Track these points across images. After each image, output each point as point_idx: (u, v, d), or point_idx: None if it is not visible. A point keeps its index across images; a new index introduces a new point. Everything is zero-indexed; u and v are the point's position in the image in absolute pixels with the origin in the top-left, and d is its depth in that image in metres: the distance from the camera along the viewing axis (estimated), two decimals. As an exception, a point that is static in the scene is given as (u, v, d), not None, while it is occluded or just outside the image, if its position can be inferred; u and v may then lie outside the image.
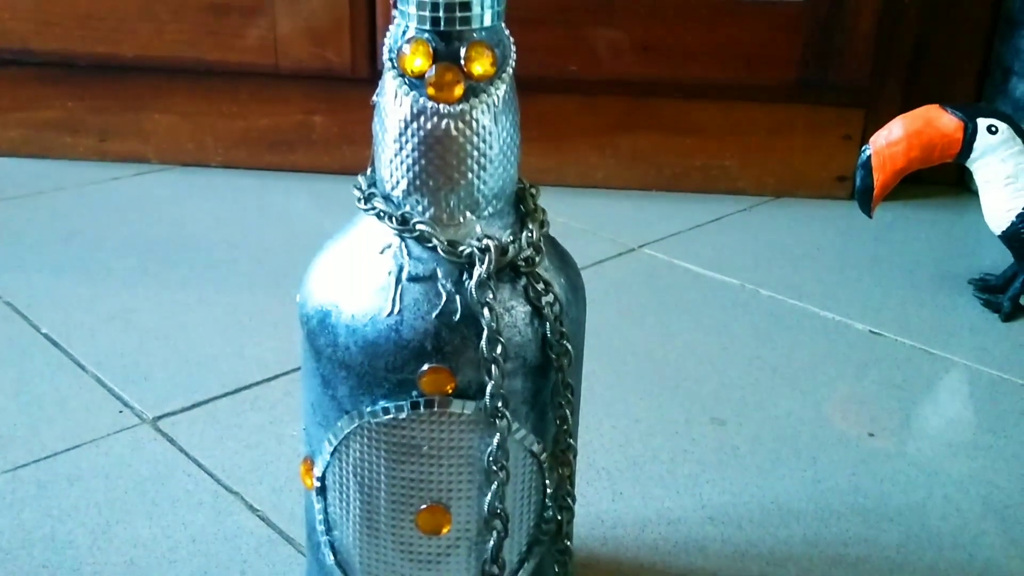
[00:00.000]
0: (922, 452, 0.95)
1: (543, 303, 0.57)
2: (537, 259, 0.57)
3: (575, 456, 0.61)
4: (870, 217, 1.26)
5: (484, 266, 0.55)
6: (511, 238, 0.57)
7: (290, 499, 0.84)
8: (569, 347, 0.58)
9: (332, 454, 0.60)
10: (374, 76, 0.56)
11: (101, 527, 0.80)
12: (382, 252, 0.57)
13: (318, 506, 0.62)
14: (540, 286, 0.57)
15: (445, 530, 0.59)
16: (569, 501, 0.62)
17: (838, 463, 0.92)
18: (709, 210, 1.55)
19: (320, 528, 0.63)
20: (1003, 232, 1.22)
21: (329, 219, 0.62)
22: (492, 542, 0.59)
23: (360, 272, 0.57)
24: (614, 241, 1.41)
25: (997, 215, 1.22)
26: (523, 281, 0.57)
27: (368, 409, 0.57)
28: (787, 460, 0.92)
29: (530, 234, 0.57)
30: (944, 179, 1.64)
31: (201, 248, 1.35)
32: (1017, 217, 1.20)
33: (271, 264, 1.31)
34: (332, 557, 0.62)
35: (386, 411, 0.57)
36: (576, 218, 1.48)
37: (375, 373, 0.56)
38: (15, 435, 0.91)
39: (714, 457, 0.92)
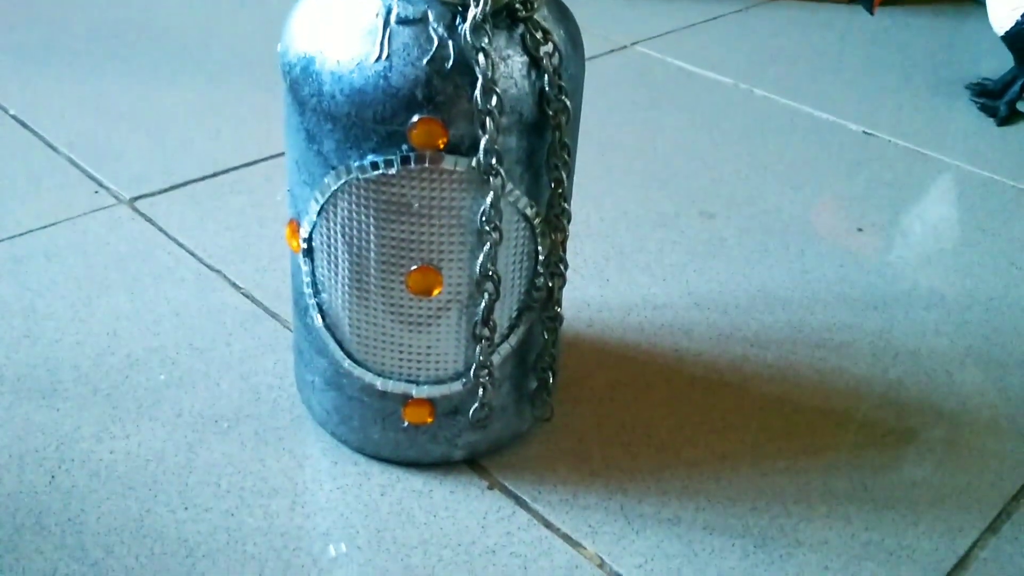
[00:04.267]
0: (910, 246, 0.94)
1: (541, 53, 0.53)
2: (536, 3, 0.53)
3: (569, 221, 0.59)
4: (872, 14, 1.21)
5: (479, 7, 0.51)
6: (509, -20, 0.53)
7: (274, 278, 0.83)
8: (568, 103, 0.55)
9: (319, 214, 0.58)
10: None
11: (81, 300, 0.78)
12: (370, -6, 0.53)
13: (305, 268, 0.61)
14: (539, 35, 0.53)
15: (436, 291, 0.58)
16: (561, 268, 0.60)
17: (826, 255, 0.91)
18: (704, 10, 1.49)
19: (307, 291, 0.61)
20: (1007, 32, 1.18)
21: None
22: (483, 304, 0.58)
23: (345, 15, 0.53)
24: (606, 38, 1.36)
25: (1002, 14, 1.18)
26: (521, 29, 0.53)
27: (356, 164, 0.55)
28: (775, 251, 0.92)
29: (529, -23, 0.53)
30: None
31: (171, 34, 1.29)
32: (1022, 16, 1.16)
33: (245, 52, 1.25)
34: (320, 320, 0.61)
35: (375, 166, 0.54)
36: (566, 12, 1.42)
37: (363, 124, 0.53)
38: (-13, 213, 0.89)
39: (702, 248, 0.92)
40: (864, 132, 1.15)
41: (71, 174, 0.96)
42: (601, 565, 0.60)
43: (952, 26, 1.50)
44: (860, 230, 0.96)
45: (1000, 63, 1.27)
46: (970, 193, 1.04)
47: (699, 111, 1.18)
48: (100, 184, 0.94)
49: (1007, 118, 1.20)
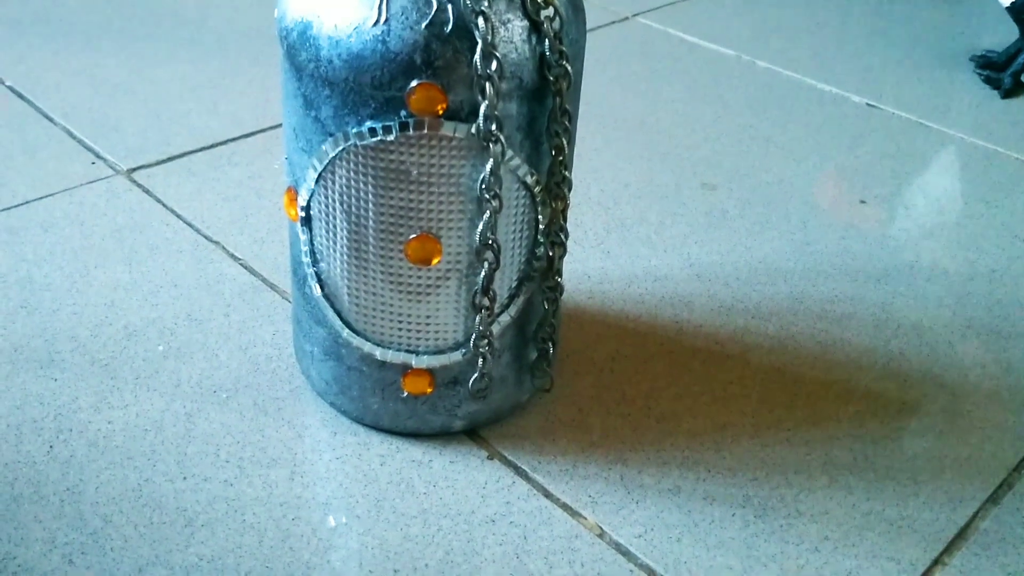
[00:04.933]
0: (913, 218, 0.94)
1: (542, 17, 0.53)
2: (536, -33, 0.52)
3: (570, 189, 0.59)
4: (876, -15, 1.20)
5: (479, -29, 0.50)
6: (509, -57, 0.52)
7: (272, 249, 0.82)
8: (569, 68, 0.54)
9: (317, 181, 0.57)
10: None
11: (79, 271, 0.78)
12: (368, -43, 0.52)
13: (303, 237, 0.60)
14: (539, -2, 0.52)
15: (435, 260, 0.57)
16: (562, 237, 0.60)
17: (828, 227, 0.91)
18: (706, -19, 1.48)
19: (306, 260, 0.61)
20: (1012, 4, 1.17)
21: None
22: (483, 274, 0.57)
23: (344, -21, 0.52)
24: (607, 9, 1.35)
25: (1008, -15, 1.17)
26: (521, -8, 0.52)
27: (354, 131, 0.54)
28: (777, 223, 0.91)
29: (529, -61, 0.52)
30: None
31: (169, 5, 1.27)
32: (1029, -13, 1.15)
33: (242, 23, 1.24)
34: (319, 290, 0.61)
35: (373, 132, 0.53)
36: (567, -17, 1.40)
37: (361, 90, 0.53)
38: (-17, 183, 0.88)
39: (703, 220, 0.91)
40: (867, 104, 1.14)
41: (68, 145, 0.95)
42: (601, 535, 0.59)
43: (956, -2, 1.48)
44: (863, 202, 0.95)
45: (1005, 35, 1.26)
46: (973, 165, 1.03)
47: (701, 83, 1.17)
48: (97, 155, 0.94)
49: (1011, 90, 1.18)
